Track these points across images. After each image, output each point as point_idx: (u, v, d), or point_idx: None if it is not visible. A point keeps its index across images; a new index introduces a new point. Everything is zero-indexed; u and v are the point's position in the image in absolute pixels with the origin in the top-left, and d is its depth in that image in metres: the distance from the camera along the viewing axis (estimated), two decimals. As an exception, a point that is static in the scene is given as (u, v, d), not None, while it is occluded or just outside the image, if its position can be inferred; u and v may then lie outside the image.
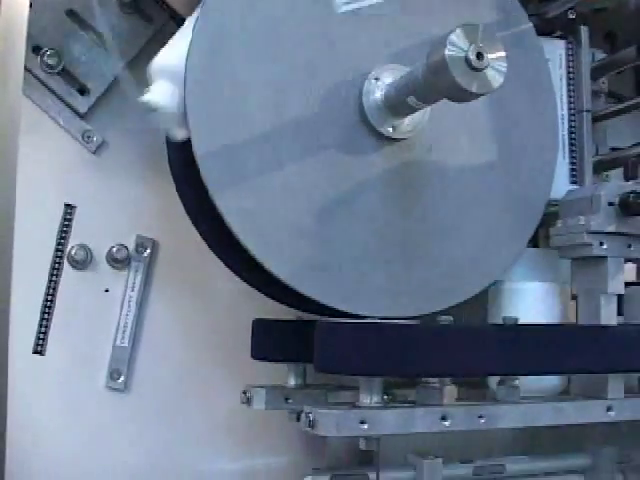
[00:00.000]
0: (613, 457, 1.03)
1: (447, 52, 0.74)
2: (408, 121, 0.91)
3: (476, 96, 0.77)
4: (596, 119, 1.11)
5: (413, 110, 0.88)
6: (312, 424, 0.80)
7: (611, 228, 0.92)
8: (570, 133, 1.06)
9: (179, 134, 0.86)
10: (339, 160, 0.89)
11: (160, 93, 0.85)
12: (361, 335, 0.79)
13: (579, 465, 1.04)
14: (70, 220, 1.05)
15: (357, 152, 0.90)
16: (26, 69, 1.01)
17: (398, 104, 0.87)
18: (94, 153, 1.06)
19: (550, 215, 1.01)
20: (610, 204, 0.92)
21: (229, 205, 0.84)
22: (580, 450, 1.04)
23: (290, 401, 0.98)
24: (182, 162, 0.92)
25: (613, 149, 1.15)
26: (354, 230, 0.89)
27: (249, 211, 0.85)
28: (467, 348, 0.82)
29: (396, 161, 0.91)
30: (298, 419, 0.85)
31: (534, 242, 1.05)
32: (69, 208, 1.05)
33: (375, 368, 0.79)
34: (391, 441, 0.92)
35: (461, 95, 0.77)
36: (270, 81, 0.87)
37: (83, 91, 1.06)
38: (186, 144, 0.85)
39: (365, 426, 0.79)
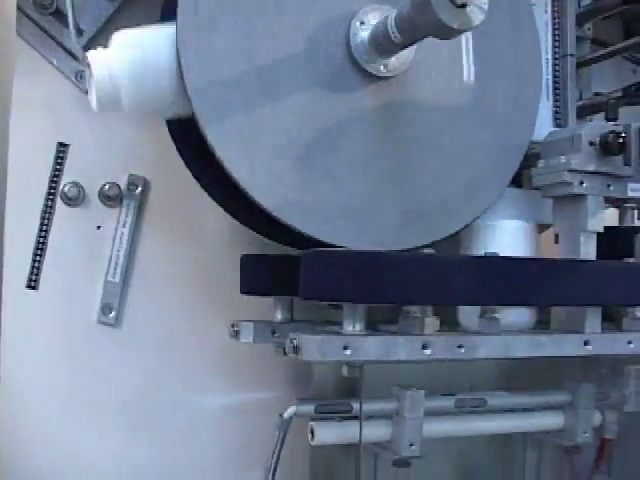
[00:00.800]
0: (591, 394, 1.06)
1: (431, -11, 0.76)
2: (395, 59, 0.93)
3: (458, 33, 0.78)
4: (580, 64, 1.13)
5: (399, 49, 0.90)
6: (296, 350, 0.82)
7: (591, 167, 0.95)
8: (554, 77, 1.07)
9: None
10: (327, 97, 0.91)
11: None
12: (345, 263, 0.81)
13: (558, 401, 1.07)
14: (63, 158, 1.06)
15: (344, 89, 0.92)
16: (19, 9, 1.02)
17: (384, 43, 0.89)
18: (87, 93, 1.07)
19: (534, 156, 1.02)
20: (591, 144, 0.94)
21: (219, 138, 0.86)
22: (559, 388, 1.07)
23: (277, 335, 1.00)
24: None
25: (597, 94, 1.17)
26: (340, 164, 0.91)
27: (238, 144, 0.87)
28: (448, 278, 0.84)
29: (383, 99, 0.93)
30: (285, 353, 0.87)
31: (518, 183, 1.07)
32: (62, 146, 1.06)
33: (358, 295, 0.81)
34: (376, 375, 0.95)
35: (444, 32, 0.79)
36: (260, 19, 0.89)
37: (76, 31, 1.06)
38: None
39: (348, 352, 0.81)
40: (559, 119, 1.07)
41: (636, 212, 1.15)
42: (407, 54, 0.93)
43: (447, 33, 0.79)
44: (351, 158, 0.91)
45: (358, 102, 0.92)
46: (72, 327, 1.07)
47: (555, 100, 1.07)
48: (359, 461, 0.96)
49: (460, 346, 0.87)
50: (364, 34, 0.91)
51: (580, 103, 1.12)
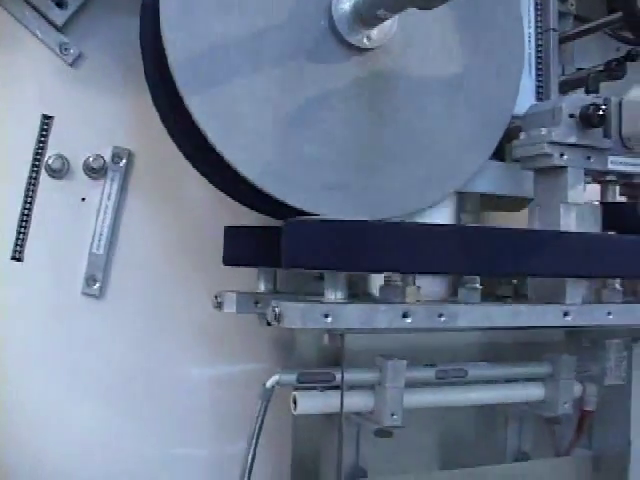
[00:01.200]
0: (571, 366, 1.07)
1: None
2: (377, 31, 0.93)
3: (439, 3, 0.79)
4: (563, 40, 1.13)
5: (381, 20, 0.91)
6: (278, 317, 0.82)
7: (571, 139, 0.96)
8: (537, 52, 1.08)
9: None
10: (309, 68, 0.91)
11: None
12: (327, 231, 0.81)
13: (539, 373, 1.08)
14: (48, 130, 1.07)
15: (326, 61, 0.92)
16: (1, -19, 1.03)
17: (366, 14, 0.90)
18: (71, 65, 1.07)
19: (516, 130, 1.03)
20: (571, 116, 0.95)
21: (201, 108, 0.87)
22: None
23: (260, 305, 1.01)
24: (158, 72, 0.94)
25: (580, 70, 1.17)
26: (321, 135, 0.92)
27: (220, 114, 0.87)
28: (429, 246, 0.84)
29: (364, 70, 0.94)
30: (268, 323, 0.88)
31: (500, 157, 1.08)
32: (46, 118, 1.06)
33: (339, 263, 0.82)
34: (359, 348, 0.96)
35: (424, 2, 0.79)
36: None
37: (60, 4, 1.06)
38: (161, 54, 0.87)
39: (329, 319, 0.82)
40: (541, 93, 1.08)
41: (617, 188, 1.16)
42: (389, 26, 0.93)
43: (427, 3, 0.80)
44: (332, 128, 0.92)
45: (340, 73, 0.93)
46: (57, 298, 1.08)
47: (537, 75, 1.08)
48: (341, 431, 0.97)
49: (440, 315, 0.88)
50: (346, 6, 0.92)
51: (563, 78, 1.12)
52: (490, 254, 0.88)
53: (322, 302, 0.85)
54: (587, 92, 1.07)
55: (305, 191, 0.90)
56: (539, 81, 1.08)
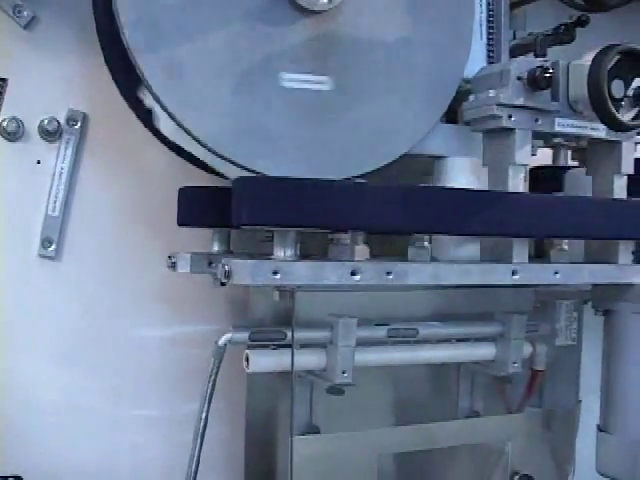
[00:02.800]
0: (522, 325, 1.09)
1: None
2: (328, -6, 0.94)
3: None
4: (515, 5, 1.15)
5: (332, -17, 0.92)
6: (228, 275, 0.84)
7: (519, 101, 0.97)
8: (488, 15, 1.09)
9: None
10: (259, 30, 0.92)
11: None
12: (275, 189, 0.82)
13: (490, 332, 1.10)
14: (2, 93, 1.06)
15: (276, 23, 0.93)
16: (-47, -58, 1.02)
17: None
18: (25, 28, 1.07)
19: (466, 93, 1.05)
20: (519, 78, 0.97)
21: (152, 70, 0.88)
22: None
23: (213, 265, 1.02)
24: (110, 33, 0.95)
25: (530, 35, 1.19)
26: (272, 96, 0.93)
27: (170, 75, 0.88)
28: (378, 205, 0.86)
29: (314, 32, 0.95)
30: (222, 283, 0.89)
31: (453, 120, 1.09)
32: (1, 81, 1.06)
33: (287, 219, 0.83)
34: (313, 308, 0.97)
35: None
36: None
37: (14, -34, 1.06)
38: (113, 15, 0.88)
39: (278, 276, 0.83)
40: (492, 57, 1.09)
41: (569, 152, 1.19)
42: (340, -12, 0.94)
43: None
44: (283, 90, 0.93)
45: (292, 35, 0.94)
46: (12, 260, 1.08)
47: (489, 39, 1.09)
48: (293, 388, 0.98)
49: (389, 273, 0.89)
50: (297, -33, 0.92)
51: (514, 43, 1.14)
52: (438, 213, 0.90)
53: (271, 259, 0.86)
54: (536, 55, 1.09)
55: (255, 151, 0.91)
56: (490, 45, 1.09)
